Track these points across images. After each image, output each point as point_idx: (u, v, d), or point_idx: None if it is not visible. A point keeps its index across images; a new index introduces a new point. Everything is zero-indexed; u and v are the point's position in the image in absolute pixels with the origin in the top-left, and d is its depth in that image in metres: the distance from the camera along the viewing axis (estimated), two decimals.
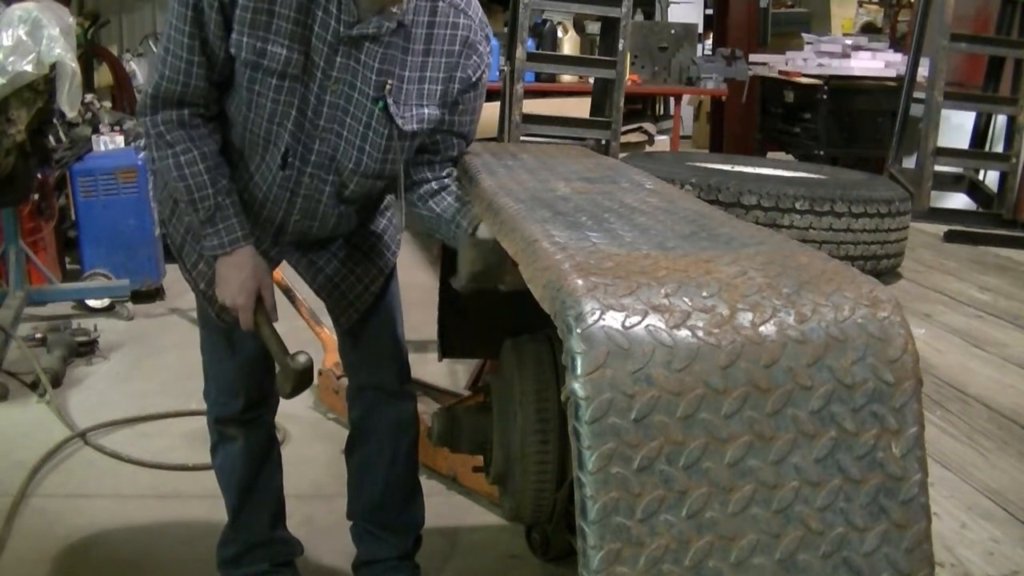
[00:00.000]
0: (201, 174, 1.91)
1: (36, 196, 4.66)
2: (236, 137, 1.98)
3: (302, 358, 1.99)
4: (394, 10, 1.84)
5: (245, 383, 2.22)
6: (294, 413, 3.51)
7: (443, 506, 2.86)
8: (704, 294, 1.14)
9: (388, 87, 1.90)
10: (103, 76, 7.26)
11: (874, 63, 6.48)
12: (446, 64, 1.94)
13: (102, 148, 5.04)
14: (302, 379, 1.99)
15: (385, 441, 2.32)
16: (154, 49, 7.77)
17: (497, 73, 5.14)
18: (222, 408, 2.25)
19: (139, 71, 7.57)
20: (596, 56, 4.67)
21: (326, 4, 1.82)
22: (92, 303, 4.74)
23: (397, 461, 2.34)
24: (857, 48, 6.58)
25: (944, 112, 4.28)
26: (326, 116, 1.91)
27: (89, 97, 5.41)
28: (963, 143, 4.85)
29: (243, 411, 2.23)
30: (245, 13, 1.80)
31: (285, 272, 2.33)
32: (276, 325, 2.04)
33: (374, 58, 1.87)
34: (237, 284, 1.96)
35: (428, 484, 2.81)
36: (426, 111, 1.95)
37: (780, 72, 7.01)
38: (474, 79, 1.98)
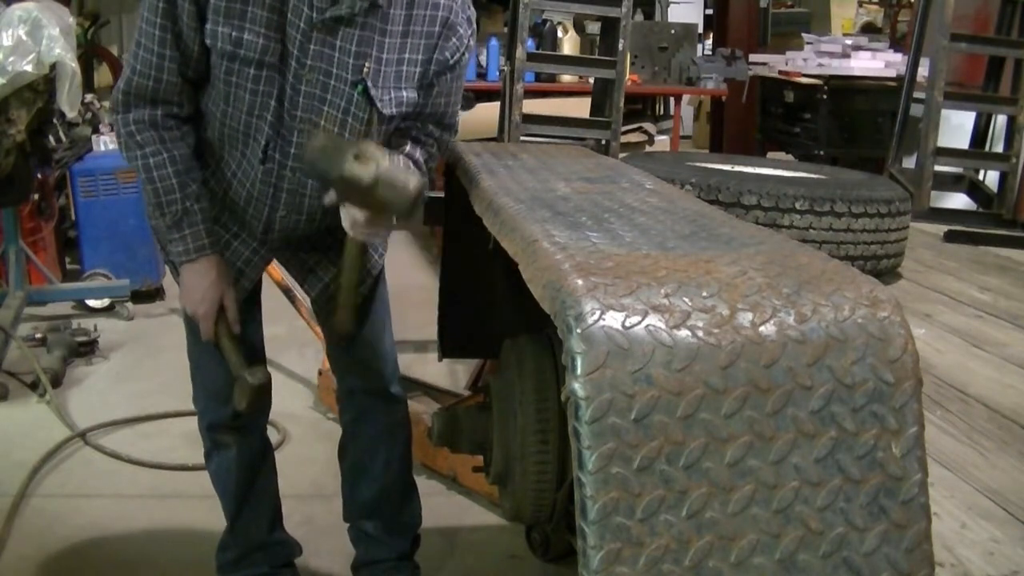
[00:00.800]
0: (170, 178, 1.89)
1: (36, 196, 4.66)
2: (215, 134, 1.95)
3: (259, 374, 1.97)
4: None
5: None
6: (294, 413, 3.51)
7: (443, 506, 2.86)
8: (704, 294, 1.14)
9: (366, 70, 1.87)
10: (103, 76, 7.26)
11: (874, 63, 6.48)
12: (425, 45, 1.91)
13: (102, 148, 5.04)
14: (257, 394, 1.98)
15: (378, 444, 2.31)
16: None
17: (497, 73, 5.13)
18: (212, 414, 2.21)
19: None
20: (596, 56, 4.67)
21: None
22: (92, 303, 4.73)
23: (391, 464, 2.32)
24: (857, 48, 6.58)
25: (944, 112, 4.28)
26: (303, 106, 1.89)
27: (89, 97, 5.40)
28: (963, 143, 4.85)
29: (234, 417, 2.16)
30: (219, 2, 1.78)
31: (283, 273, 2.32)
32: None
33: (350, 41, 1.84)
34: (199, 293, 1.96)
35: (428, 484, 2.81)
36: (404, 94, 1.93)
37: (780, 72, 7.01)
38: (451, 61, 1.95)
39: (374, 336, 2.24)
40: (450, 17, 1.91)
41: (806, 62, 6.63)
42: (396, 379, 2.31)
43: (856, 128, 6.43)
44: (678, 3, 9.51)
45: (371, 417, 2.29)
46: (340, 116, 1.90)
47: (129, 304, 4.76)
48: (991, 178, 4.62)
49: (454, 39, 1.93)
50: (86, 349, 4.13)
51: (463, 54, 1.97)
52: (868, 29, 10.48)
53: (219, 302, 1.97)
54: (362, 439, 2.32)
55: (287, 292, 3.74)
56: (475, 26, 2.00)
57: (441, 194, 2.57)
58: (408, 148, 2.01)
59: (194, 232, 1.93)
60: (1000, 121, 4.77)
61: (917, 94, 4.80)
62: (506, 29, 4.45)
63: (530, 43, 5.23)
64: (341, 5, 1.80)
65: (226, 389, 2.13)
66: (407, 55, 1.90)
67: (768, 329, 1.12)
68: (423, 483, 2.46)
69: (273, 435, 2.44)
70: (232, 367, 1.98)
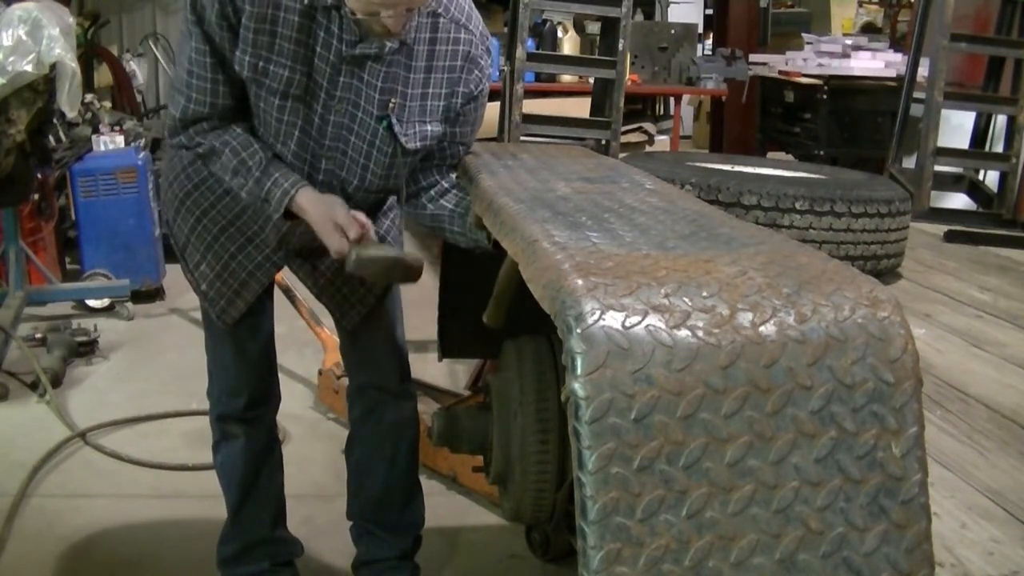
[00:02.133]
0: (241, 135, 1.91)
1: (36, 196, 4.66)
2: None
3: (411, 256, 1.94)
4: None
5: (248, 382, 2.24)
6: (294, 413, 3.51)
7: (443, 506, 2.86)
8: (704, 294, 1.14)
9: (391, 105, 1.91)
10: (103, 76, 7.26)
11: (874, 63, 6.47)
12: (448, 80, 1.95)
13: (102, 148, 5.04)
14: (409, 269, 1.93)
15: (385, 441, 2.33)
16: (154, 49, 7.78)
17: (497, 73, 5.13)
18: (224, 406, 2.26)
19: (139, 71, 7.57)
20: (596, 56, 4.67)
21: (328, 24, 1.82)
22: (92, 303, 4.73)
23: (397, 461, 2.34)
24: (857, 48, 6.57)
25: (944, 112, 4.28)
26: (330, 135, 1.93)
27: (89, 97, 5.40)
28: (963, 143, 4.85)
29: (245, 409, 2.24)
30: (248, 32, 1.81)
31: (285, 272, 2.33)
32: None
33: (377, 77, 1.88)
34: (320, 224, 1.89)
35: (428, 484, 2.80)
36: (428, 128, 1.97)
37: (780, 72, 7.00)
38: (476, 92, 2.00)
39: (386, 333, 2.27)
40: (471, 51, 1.95)
41: (806, 62, 6.63)
42: (407, 376, 2.34)
43: (856, 128, 6.43)
44: (678, 3, 9.51)
45: (379, 414, 2.31)
46: (365, 148, 1.94)
47: (129, 304, 4.77)
48: (991, 178, 4.62)
49: (476, 71, 1.97)
50: (86, 349, 4.13)
51: (485, 84, 2.02)
52: (868, 29, 10.47)
53: (339, 225, 1.89)
54: (370, 435, 2.34)
55: (287, 292, 3.74)
56: (494, 43, 2.04)
57: None
58: (450, 177, 2.10)
59: (283, 172, 1.91)
60: (1000, 121, 4.78)
61: (917, 94, 4.80)
62: (506, 29, 4.44)
63: (530, 43, 5.23)
64: (371, 43, 1.84)
65: (240, 381, 2.22)
66: (431, 90, 1.94)
67: (768, 329, 1.12)
68: (423, 483, 2.47)
69: None
70: (392, 257, 1.93)
